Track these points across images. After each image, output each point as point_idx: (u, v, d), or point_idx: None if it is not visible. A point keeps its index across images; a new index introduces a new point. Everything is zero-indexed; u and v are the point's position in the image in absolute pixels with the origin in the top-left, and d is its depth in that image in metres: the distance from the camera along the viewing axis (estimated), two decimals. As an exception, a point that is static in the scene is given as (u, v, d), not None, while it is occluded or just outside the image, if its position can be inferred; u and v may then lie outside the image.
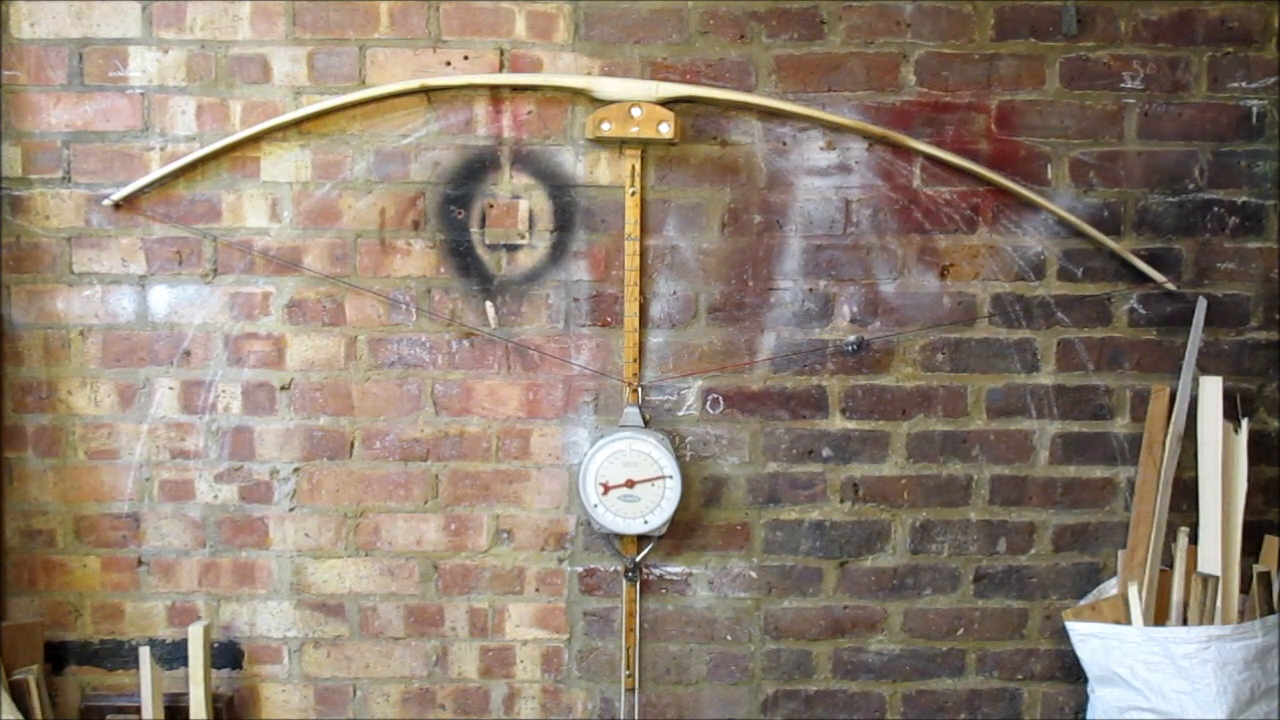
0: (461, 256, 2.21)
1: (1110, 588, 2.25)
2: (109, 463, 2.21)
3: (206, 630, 2.17)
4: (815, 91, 2.19)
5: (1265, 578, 2.15)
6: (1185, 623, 2.15)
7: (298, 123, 2.15)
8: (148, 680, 2.10)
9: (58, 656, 2.23)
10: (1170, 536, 2.21)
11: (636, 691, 2.28)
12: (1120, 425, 2.26)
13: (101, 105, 2.16)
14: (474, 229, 2.20)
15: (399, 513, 2.25)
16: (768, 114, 2.19)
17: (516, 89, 2.17)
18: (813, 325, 2.24)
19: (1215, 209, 2.23)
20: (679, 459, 2.19)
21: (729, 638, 2.29)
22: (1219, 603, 2.12)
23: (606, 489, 2.10)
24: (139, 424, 2.21)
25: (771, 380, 2.24)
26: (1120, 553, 2.24)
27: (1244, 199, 2.23)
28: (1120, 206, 2.22)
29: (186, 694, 2.15)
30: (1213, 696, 2.04)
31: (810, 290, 2.23)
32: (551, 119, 2.18)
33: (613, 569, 2.26)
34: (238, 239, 2.19)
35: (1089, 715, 2.25)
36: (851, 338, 2.24)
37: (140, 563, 2.23)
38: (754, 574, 2.27)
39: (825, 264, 2.23)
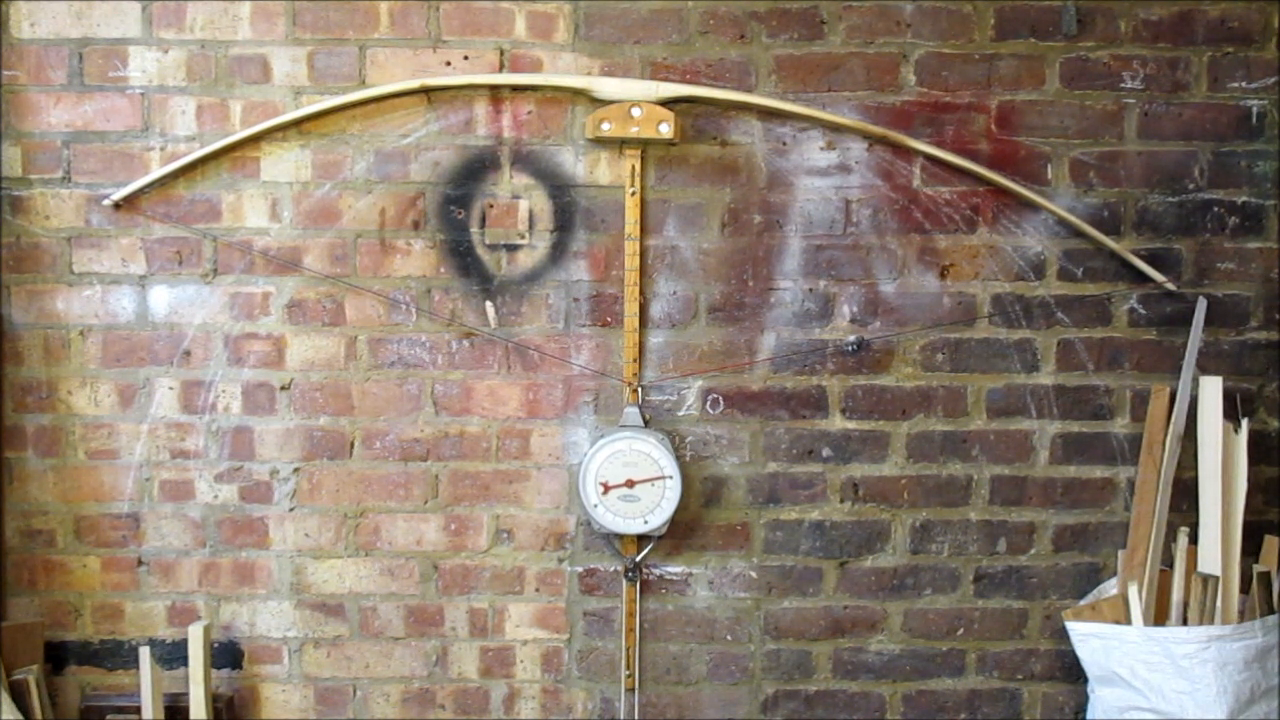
0: (461, 256, 2.21)
1: (1110, 588, 2.25)
2: (109, 463, 2.21)
3: (206, 630, 2.17)
4: (815, 91, 2.19)
5: (1265, 578, 2.15)
6: (1185, 623, 2.15)
7: (298, 123, 2.15)
8: (148, 680, 2.10)
9: (58, 656, 2.23)
10: (1170, 536, 2.21)
11: (636, 691, 2.28)
12: (1120, 425, 2.26)
13: (101, 105, 2.16)
14: (474, 229, 2.20)
15: (399, 513, 2.25)
16: (768, 114, 2.19)
17: (516, 89, 2.18)
18: (813, 325, 2.24)
19: (1215, 209, 2.23)
20: (679, 459, 2.19)
21: (729, 638, 2.29)
22: (1219, 603, 2.12)
23: (606, 489, 2.10)
24: (139, 424, 2.21)
25: (771, 380, 2.24)
26: (1120, 553, 2.24)
27: (1244, 199, 2.23)
28: (1120, 206, 2.23)
29: (186, 694, 2.15)
30: (1213, 696, 2.04)
31: (810, 290, 2.23)
32: (551, 119, 2.18)
33: (613, 569, 2.26)
34: (238, 239, 2.19)
35: (1089, 715, 2.25)
36: (851, 338, 2.24)
37: (140, 563, 2.23)
38: (754, 574, 2.28)
39: (825, 264, 2.23)
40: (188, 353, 2.20)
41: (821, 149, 2.20)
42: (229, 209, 2.18)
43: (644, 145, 2.15)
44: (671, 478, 2.11)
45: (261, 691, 2.27)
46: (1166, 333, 2.25)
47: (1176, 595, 2.17)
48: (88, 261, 2.18)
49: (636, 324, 2.20)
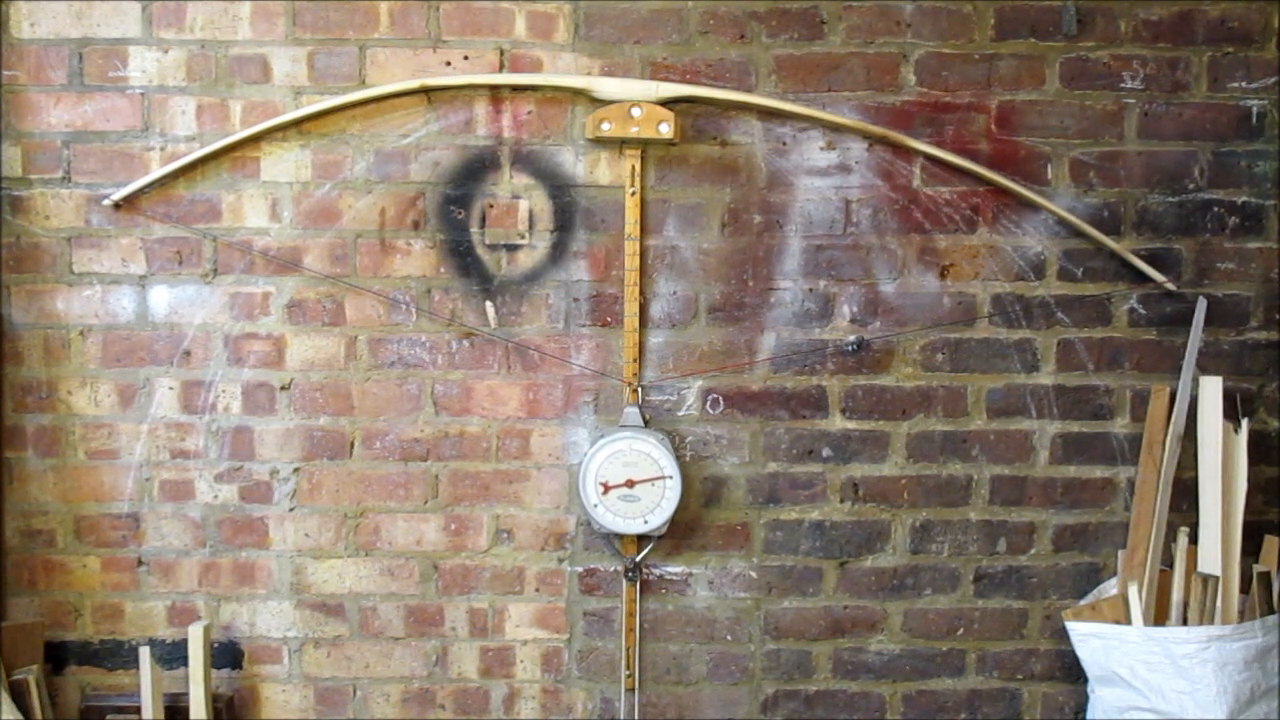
0: (461, 256, 2.21)
1: (1110, 588, 2.25)
2: (109, 463, 2.21)
3: (206, 630, 2.17)
4: (815, 91, 2.19)
5: (1265, 578, 2.15)
6: (1185, 623, 2.15)
7: (298, 123, 2.15)
8: (148, 680, 2.10)
9: (58, 656, 2.23)
10: (1170, 536, 2.21)
11: (636, 691, 2.28)
12: (1120, 425, 2.26)
13: (101, 105, 2.16)
14: (474, 229, 2.20)
15: (399, 513, 2.25)
16: (768, 114, 2.19)
17: (516, 89, 2.17)
18: (813, 325, 2.24)
19: (1215, 209, 2.23)
20: (679, 459, 2.19)
21: (729, 638, 2.29)
22: (1219, 603, 2.12)
23: (606, 489, 2.10)
24: (139, 424, 2.21)
25: (771, 380, 2.24)
26: (1120, 553, 2.24)
27: (1244, 199, 2.23)
28: (1120, 206, 2.23)
29: (186, 694, 2.15)
30: (1213, 696, 2.04)
31: (810, 290, 2.23)
32: (551, 119, 2.18)
33: (613, 569, 2.26)
34: (238, 239, 2.19)
35: (1089, 715, 2.25)
36: (851, 338, 2.24)
37: (140, 563, 2.23)
38: (754, 574, 2.27)
39: (825, 264, 2.23)
40: (188, 353, 2.20)
41: (821, 149, 2.20)
42: (229, 209, 2.18)
43: (644, 145, 2.15)
44: (671, 478, 2.11)
45: (261, 691, 2.27)
46: (1166, 333, 2.25)
47: (1176, 595, 2.17)
48: (88, 261, 2.18)
49: (636, 324, 2.20)
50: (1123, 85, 2.20)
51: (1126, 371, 2.26)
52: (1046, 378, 2.25)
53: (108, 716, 2.20)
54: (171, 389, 2.21)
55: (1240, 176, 2.23)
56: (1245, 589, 2.16)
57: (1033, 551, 2.28)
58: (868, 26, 2.18)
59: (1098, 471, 2.27)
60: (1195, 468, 2.21)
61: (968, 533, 2.28)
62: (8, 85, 2.15)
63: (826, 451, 2.26)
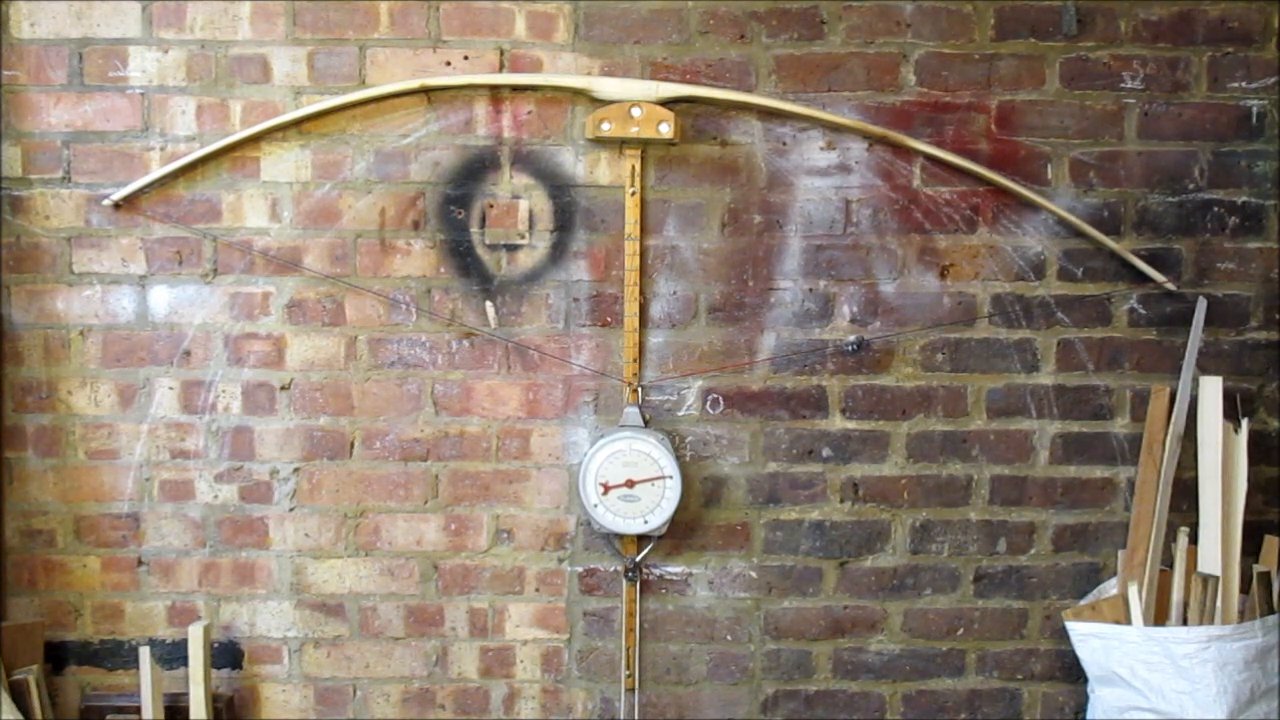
0: (461, 256, 2.21)
1: (1110, 588, 2.25)
2: (109, 463, 2.21)
3: (206, 630, 2.17)
4: (815, 91, 2.19)
5: (1265, 578, 2.15)
6: (1185, 623, 2.15)
7: (298, 123, 2.15)
8: (148, 680, 2.10)
9: (58, 656, 2.23)
10: (1170, 536, 2.21)
11: (636, 691, 2.28)
12: (1120, 425, 2.26)
13: (101, 105, 2.16)
14: (474, 229, 2.20)
15: (399, 513, 2.25)
16: (768, 114, 2.19)
17: (516, 89, 2.17)
18: (813, 325, 2.24)
19: (1215, 209, 2.23)
20: (679, 459, 2.19)
21: (729, 638, 2.29)
22: (1219, 603, 2.12)
23: (606, 489, 2.10)
24: (139, 424, 2.21)
25: (771, 380, 2.24)
26: (1120, 553, 2.24)
27: (1244, 199, 2.23)
28: (1120, 206, 2.23)
29: (186, 694, 2.15)
30: (1213, 696, 2.04)
31: (810, 290, 2.23)
32: (551, 119, 2.18)
33: (613, 569, 2.26)
34: (238, 239, 2.19)
35: (1089, 715, 2.25)
36: (851, 338, 2.24)
37: (140, 563, 2.23)
38: (754, 574, 2.27)
39: (825, 264, 2.23)
40: (188, 353, 2.20)
41: (821, 149, 2.20)
42: (229, 209, 2.18)
43: (644, 145, 2.15)
44: (671, 478, 2.11)
45: (261, 691, 2.27)
46: (1166, 333, 2.25)
47: (1176, 595, 2.17)
48: (88, 261, 2.18)
49: (636, 324, 2.20)
50: (1123, 85, 2.20)
51: (1126, 371, 2.26)
52: (1046, 378, 2.25)
53: (108, 716, 2.20)
54: (171, 389, 2.21)
55: (1240, 176, 2.23)
56: (1245, 589, 2.16)
57: (1033, 551, 2.28)
58: (868, 26, 2.18)
59: (1098, 471, 2.27)
60: (1195, 468, 2.21)
61: (968, 533, 2.28)
62: (8, 85, 2.15)
63: (826, 451, 2.26)
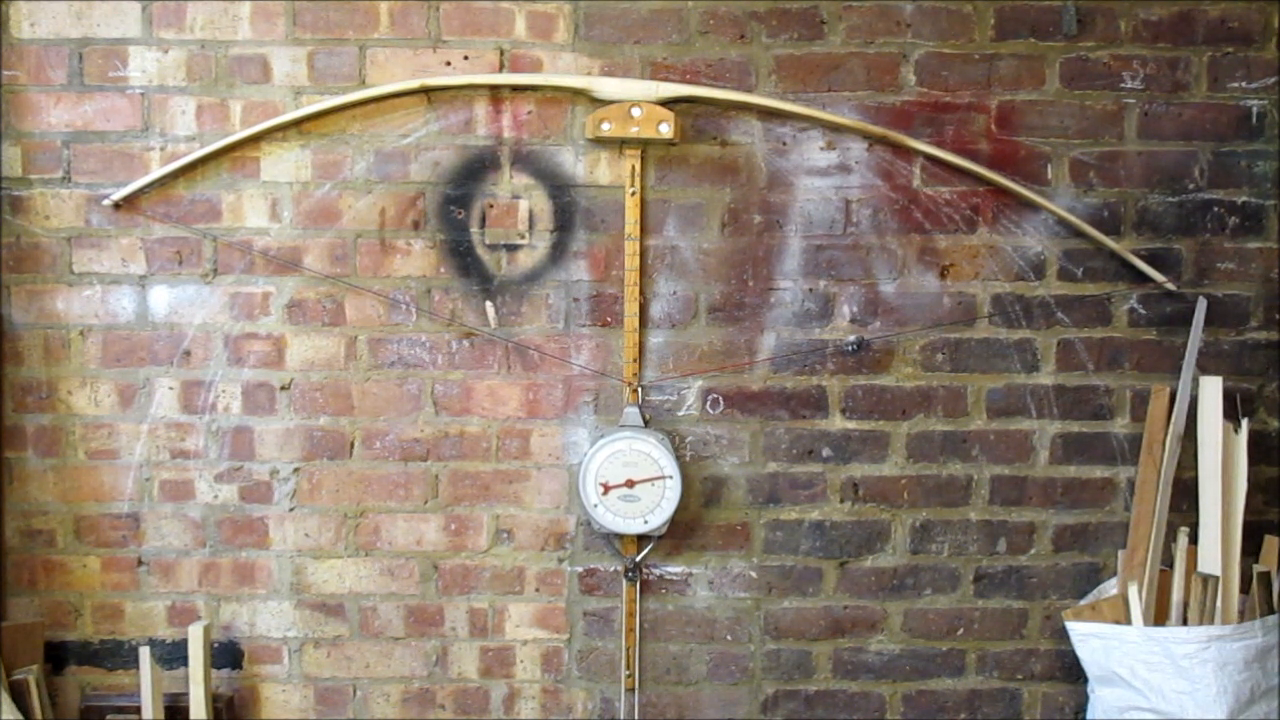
0: (461, 256, 2.21)
1: (1110, 588, 2.25)
2: (109, 463, 2.21)
3: (206, 630, 2.17)
4: (815, 91, 2.19)
5: (1265, 578, 2.15)
6: (1185, 623, 2.15)
7: (298, 123, 2.15)
8: (148, 680, 2.10)
9: (58, 656, 2.23)
10: (1170, 536, 2.21)
11: (636, 691, 2.28)
12: (1120, 425, 2.26)
13: (101, 105, 2.16)
14: (474, 229, 2.20)
15: (399, 513, 2.25)
16: (768, 114, 2.19)
17: (516, 89, 2.17)
18: (813, 325, 2.24)
19: (1215, 209, 2.23)
20: (679, 459, 2.19)
21: (729, 638, 2.29)
22: (1219, 603, 2.12)
23: (606, 489, 2.10)
24: (139, 424, 2.21)
25: (771, 380, 2.24)
26: (1120, 553, 2.24)
27: (1244, 199, 2.23)
28: (1120, 206, 2.23)
29: (186, 694, 2.15)
30: (1213, 696, 2.04)
31: (810, 290, 2.23)
32: (551, 119, 2.18)
33: (613, 569, 2.26)
34: (238, 239, 2.19)
35: (1089, 715, 2.25)
36: (851, 338, 2.24)
37: (140, 563, 2.23)
38: (754, 574, 2.27)
39: (825, 264, 2.23)
40: (188, 353, 2.20)
41: (821, 149, 2.20)
42: (229, 209, 2.18)
43: (644, 145, 2.15)
44: (671, 478, 2.11)
45: (261, 691, 2.27)
46: (1166, 333, 2.25)
47: (1176, 595, 2.17)
48: (88, 261, 2.18)
49: (636, 324, 2.20)
50: (1123, 85, 2.20)
51: (1126, 371, 2.26)
52: (1046, 378, 2.25)
53: (108, 716, 2.20)
54: (171, 389, 2.21)
55: (1240, 176, 2.23)
56: (1245, 589, 2.16)
57: (1033, 551, 2.28)
58: (868, 26, 2.18)
59: (1098, 471, 2.27)
60: (1195, 468, 2.21)
61: (968, 533, 2.28)
62: (8, 85, 2.15)
63: (826, 451, 2.26)
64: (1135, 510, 2.22)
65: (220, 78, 2.16)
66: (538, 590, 2.26)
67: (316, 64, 2.16)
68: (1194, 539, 2.19)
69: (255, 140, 2.16)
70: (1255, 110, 2.21)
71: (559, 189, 2.20)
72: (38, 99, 2.15)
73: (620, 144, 2.16)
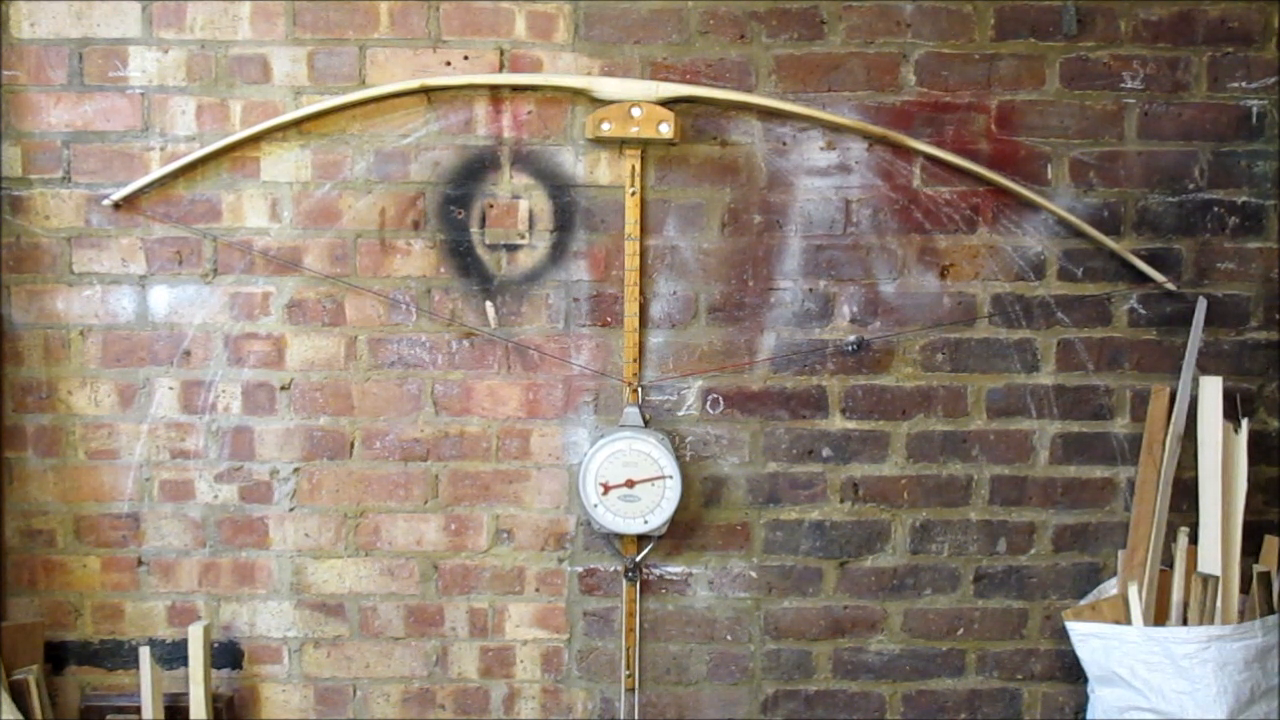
0: (461, 256, 2.21)
1: (1110, 588, 2.25)
2: (109, 463, 2.21)
3: (206, 630, 2.17)
4: (815, 91, 2.19)
5: (1265, 578, 2.15)
6: (1185, 623, 2.15)
7: (298, 123, 2.15)
8: (148, 680, 2.10)
9: (58, 656, 2.23)
10: (1170, 536, 2.21)
11: (636, 691, 2.28)
12: (1120, 425, 2.26)
13: (101, 105, 2.16)
14: (474, 229, 2.20)
15: (399, 513, 2.25)
16: (768, 114, 2.19)
17: (516, 89, 2.17)
18: (813, 325, 2.24)
19: (1215, 209, 2.23)
20: (679, 459, 2.19)
21: (729, 638, 2.29)
22: (1219, 603, 2.12)
23: (606, 489, 2.10)
24: (139, 424, 2.21)
25: (771, 380, 2.24)
26: (1120, 553, 2.24)
27: (1244, 199, 2.23)
28: (1120, 206, 2.23)
29: (186, 694, 2.15)
30: (1213, 696, 2.04)
31: (810, 290, 2.23)
32: (551, 119, 2.18)
33: (613, 569, 2.26)
34: (238, 239, 2.19)
35: (1089, 715, 2.25)
36: (851, 338, 2.24)
37: (140, 563, 2.23)
38: (754, 574, 2.27)
39: (825, 264, 2.23)
40: (188, 353, 2.20)
41: (821, 149, 2.20)
42: (229, 209, 2.18)
43: (644, 145, 2.15)
44: (671, 478, 2.11)
45: (261, 691, 2.27)
46: (1166, 333, 2.25)
47: (1176, 595, 2.17)
48: (88, 261, 2.18)
49: (636, 324, 2.20)
50: (1123, 85, 2.20)
51: (1126, 371, 2.26)
52: (1046, 378, 2.25)
53: (108, 716, 2.20)
54: (171, 389, 2.21)
55: (1240, 176, 2.23)
56: (1245, 589, 2.16)
57: (1033, 551, 2.28)
58: (868, 26, 2.18)
59: (1098, 471, 2.27)
60: (1195, 468, 2.21)
61: (968, 533, 2.28)
62: (8, 85, 2.15)
63: (826, 451, 2.26)
64: (1135, 510, 2.22)
65: (220, 78, 2.16)
66: (538, 590, 2.26)
67: (316, 64, 2.16)
68: (1194, 539, 2.19)
69: (255, 140, 2.16)
70: (1255, 110, 2.21)
71: (559, 189, 2.20)
72: (38, 99, 2.15)
73: (620, 144, 2.16)
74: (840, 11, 2.18)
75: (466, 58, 2.17)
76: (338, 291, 2.20)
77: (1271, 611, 2.14)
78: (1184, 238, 2.23)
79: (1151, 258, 2.21)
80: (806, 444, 2.26)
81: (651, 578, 2.27)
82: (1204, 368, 2.23)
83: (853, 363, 2.24)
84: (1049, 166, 2.21)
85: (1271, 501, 2.27)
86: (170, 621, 2.24)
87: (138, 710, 2.14)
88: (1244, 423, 2.19)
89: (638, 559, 2.23)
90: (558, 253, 2.21)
